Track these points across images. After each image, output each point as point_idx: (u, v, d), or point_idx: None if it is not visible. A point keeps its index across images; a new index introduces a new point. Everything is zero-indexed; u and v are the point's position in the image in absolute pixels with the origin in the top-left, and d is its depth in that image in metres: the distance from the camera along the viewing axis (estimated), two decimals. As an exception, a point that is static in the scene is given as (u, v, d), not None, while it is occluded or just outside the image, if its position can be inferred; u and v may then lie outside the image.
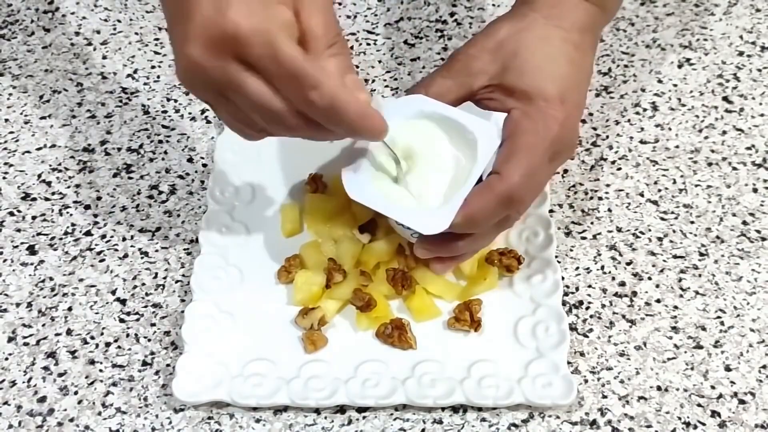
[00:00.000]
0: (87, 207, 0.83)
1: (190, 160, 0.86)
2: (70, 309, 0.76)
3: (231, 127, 0.66)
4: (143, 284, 0.78)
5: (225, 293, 0.75)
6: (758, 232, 0.80)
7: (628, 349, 0.73)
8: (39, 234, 0.81)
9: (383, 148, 0.69)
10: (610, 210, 0.82)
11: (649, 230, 0.80)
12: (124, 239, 0.81)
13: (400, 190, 0.70)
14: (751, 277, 0.77)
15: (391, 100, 0.71)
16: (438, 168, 0.71)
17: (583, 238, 0.80)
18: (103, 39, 0.97)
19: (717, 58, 0.94)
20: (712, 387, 0.71)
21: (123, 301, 0.77)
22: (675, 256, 0.79)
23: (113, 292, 0.77)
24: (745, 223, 0.81)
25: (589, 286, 0.77)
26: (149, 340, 0.74)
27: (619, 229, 0.81)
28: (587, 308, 0.76)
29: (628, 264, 0.78)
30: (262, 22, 0.59)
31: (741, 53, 0.94)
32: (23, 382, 0.72)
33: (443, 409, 0.70)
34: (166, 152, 0.87)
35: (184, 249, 0.80)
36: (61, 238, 0.81)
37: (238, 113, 0.63)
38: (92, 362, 0.73)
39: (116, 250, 0.80)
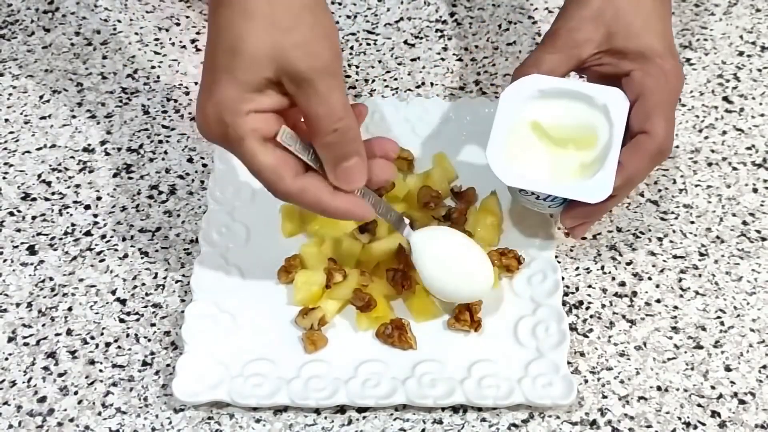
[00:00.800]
0: (87, 207, 0.83)
1: (190, 160, 0.86)
2: (70, 309, 0.76)
3: None
4: (143, 284, 0.78)
5: (225, 293, 0.75)
6: (758, 232, 0.80)
7: (628, 349, 0.73)
8: (39, 234, 0.81)
9: (521, 127, 0.74)
10: (610, 210, 0.82)
11: (649, 230, 0.80)
12: (124, 239, 0.81)
13: (543, 165, 0.74)
14: (751, 277, 0.77)
15: (509, 87, 0.75)
16: (575, 139, 0.74)
17: (583, 238, 0.80)
18: (103, 39, 0.97)
19: (717, 58, 0.94)
20: (712, 387, 0.71)
21: (123, 301, 0.77)
22: (675, 256, 0.79)
23: (113, 292, 0.77)
24: (745, 223, 0.81)
25: (589, 286, 0.77)
26: (149, 340, 0.74)
27: (619, 229, 0.81)
28: (587, 308, 0.76)
29: (628, 264, 0.78)
30: (228, 129, 0.63)
31: (741, 53, 0.94)
32: (23, 382, 0.72)
33: (443, 409, 0.70)
34: (166, 152, 0.87)
35: (184, 249, 0.80)
36: (61, 238, 0.81)
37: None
38: (92, 362, 0.73)
39: (116, 250, 0.80)
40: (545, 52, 0.75)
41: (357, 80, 0.92)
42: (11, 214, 0.83)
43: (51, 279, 0.78)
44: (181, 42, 0.96)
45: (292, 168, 0.65)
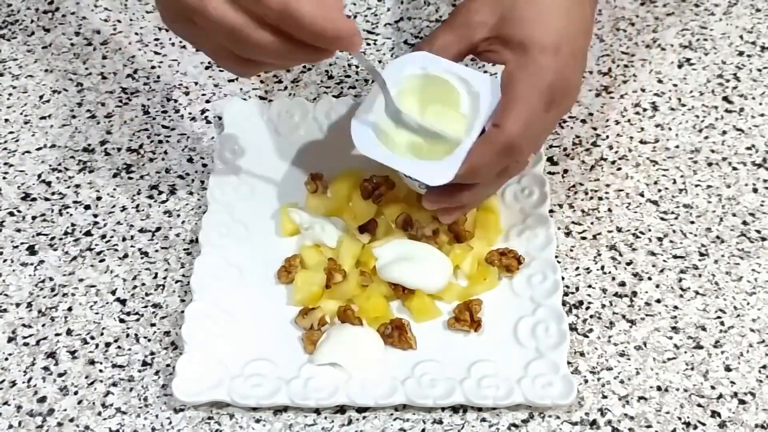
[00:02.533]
0: (87, 207, 0.83)
1: (190, 160, 0.86)
2: (70, 309, 0.76)
3: (219, 63, 0.67)
4: (143, 284, 0.78)
5: (225, 293, 0.75)
6: (758, 232, 0.80)
7: (628, 349, 0.73)
8: (39, 234, 0.81)
9: (389, 102, 0.72)
10: (610, 210, 0.82)
11: (649, 230, 0.80)
12: (124, 239, 0.81)
13: (407, 142, 0.72)
14: (751, 277, 0.77)
15: (397, 60, 0.74)
16: (443, 121, 0.72)
17: (583, 238, 0.80)
18: (103, 39, 0.97)
19: (717, 58, 0.94)
20: (712, 387, 0.71)
21: (123, 301, 0.77)
22: (675, 256, 0.79)
23: (113, 292, 0.77)
24: (745, 223, 0.81)
25: (589, 286, 0.77)
26: (149, 340, 0.74)
27: (619, 229, 0.81)
28: (587, 308, 0.76)
29: (628, 264, 0.78)
30: None
31: (741, 53, 0.94)
32: (23, 382, 0.72)
33: (443, 409, 0.70)
34: (166, 152, 0.87)
35: (184, 249, 0.80)
36: (61, 238, 0.81)
37: (211, 43, 0.64)
38: (92, 362, 0.73)
39: (116, 250, 0.80)
40: (441, 30, 0.74)
41: (357, 80, 0.92)
42: (11, 214, 0.83)
43: (51, 279, 0.78)
44: (181, 42, 0.96)
45: None
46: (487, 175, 0.71)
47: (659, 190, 0.83)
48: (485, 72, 0.74)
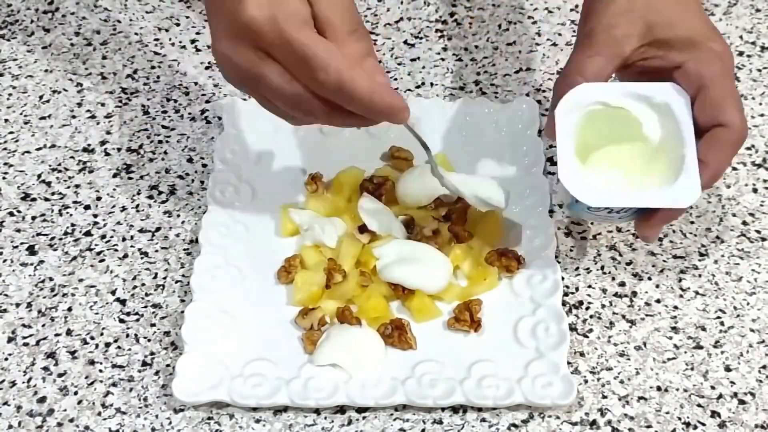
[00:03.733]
0: (87, 207, 0.83)
1: (190, 160, 0.86)
2: (69, 309, 0.76)
3: (274, 113, 0.69)
4: (143, 284, 0.78)
5: (225, 293, 0.75)
6: (758, 232, 0.80)
7: (628, 350, 0.73)
8: (39, 234, 0.81)
9: (583, 142, 0.71)
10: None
11: (649, 230, 0.80)
12: (124, 239, 0.81)
13: (614, 179, 0.72)
14: (751, 277, 0.77)
15: (562, 102, 0.71)
16: (642, 145, 0.72)
17: (583, 238, 0.80)
18: (103, 39, 0.97)
19: (717, 58, 0.94)
20: (712, 387, 0.71)
21: (123, 302, 0.77)
22: (675, 256, 0.79)
23: (113, 293, 0.77)
24: (745, 223, 0.81)
25: (589, 286, 0.77)
26: (149, 341, 0.74)
27: (619, 229, 0.81)
28: (587, 308, 0.76)
29: (628, 264, 0.78)
30: (273, 11, 0.62)
31: (741, 53, 0.94)
32: (23, 383, 0.72)
33: (443, 409, 0.70)
34: (166, 152, 0.87)
35: (184, 249, 0.80)
36: (61, 238, 0.81)
37: (268, 101, 0.67)
38: (92, 362, 0.73)
39: (116, 250, 0.80)
40: (585, 55, 0.71)
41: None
42: (11, 214, 0.83)
43: (51, 279, 0.78)
44: (181, 42, 0.96)
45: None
46: (724, 173, 0.72)
47: (659, 190, 0.83)
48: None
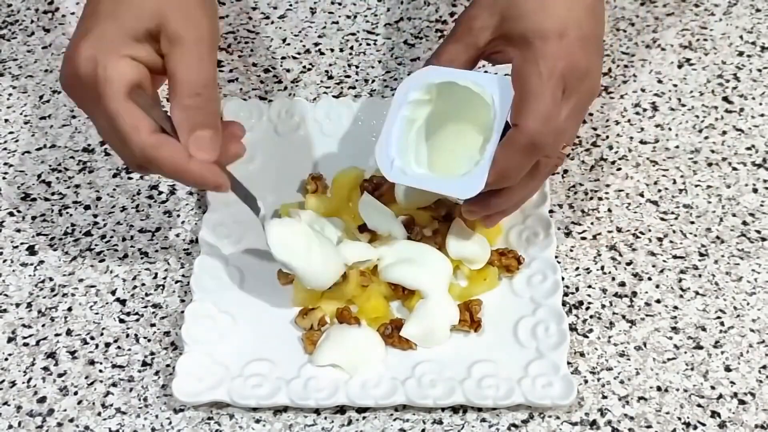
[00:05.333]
0: (87, 207, 0.83)
1: (190, 160, 0.86)
2: (69, 309, 0.76)
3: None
4: (143, 284, 0.78)
5: (225, 293, 0.75)
6: (758, 232, 0.80)
7: (628, 350, 0.73)
8: (39, 234, 0.81)
9: (411, 120, 0.73)
10: (610, 210, 0.82)
11: (649, 230, 0.80)
12: (124, 239, 0.81)
13: (432, 159, 0.74)
14: (751, 277, 0.77)
15: (406, 79, 0.74)
16: (465, 132, 0.73)
17: (583, 238, 0.80)
18: (103, 39, 0.97)
19: (717, 58, 0.94)
20: (712, 387, 0.71)
21: (123, 302, 0.77)
22: (675, 257, 0.79)
23: (113, 293, 0.77)
24: (745, 223, 0.81)
25: (589, 287, 0.77)
26: (149, 341, 0.74)
27: (619, 229, 0.81)
28: (587, 308, 0.76)
29: (628, 264, 0.78)
30: (97, 68, 0.64)
31: (741, 53, 0.94)
32: (23, 383, 0.72)
33: (443, 409, 0.70)
34: (166, 152, 0.87)
35: (184, 249, 0.80)
36: (61, 239, 0.81)
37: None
38: (92, 362, 0.73)
39: (116, 250, 0.80)
40: (446, 42, 0.73)
41: (357, 80, 0.92)
42: (11, 214, 0.83)
43: (51, 279, 0.78)
44: (181, 42, 0.96)
45: (150, 124, 0.65)
46: (517, 176, 0.70)
47: (659, 190, 0.83)
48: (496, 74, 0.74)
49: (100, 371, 0.73)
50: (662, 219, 0.81)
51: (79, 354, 0.74)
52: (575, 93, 0.69)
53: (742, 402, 0.70)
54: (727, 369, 0.72)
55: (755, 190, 0.83)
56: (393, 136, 0.73)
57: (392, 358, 0.72)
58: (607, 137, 0.87)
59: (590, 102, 0.72)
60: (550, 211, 0.81)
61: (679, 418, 0.69)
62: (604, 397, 0.71)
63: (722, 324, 0.75)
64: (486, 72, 0.80)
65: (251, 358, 0.71)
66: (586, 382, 0.71)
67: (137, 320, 0.76)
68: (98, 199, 0.84)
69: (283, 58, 0.94)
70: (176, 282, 0.78)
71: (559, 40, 0.68)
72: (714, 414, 0.70)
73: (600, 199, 0.83)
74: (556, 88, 0.67)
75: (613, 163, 0.85)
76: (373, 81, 0.92)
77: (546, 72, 0.67)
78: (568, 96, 0.68)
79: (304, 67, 0.94)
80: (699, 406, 0.70)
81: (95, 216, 0.82)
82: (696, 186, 0.83)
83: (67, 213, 0.83)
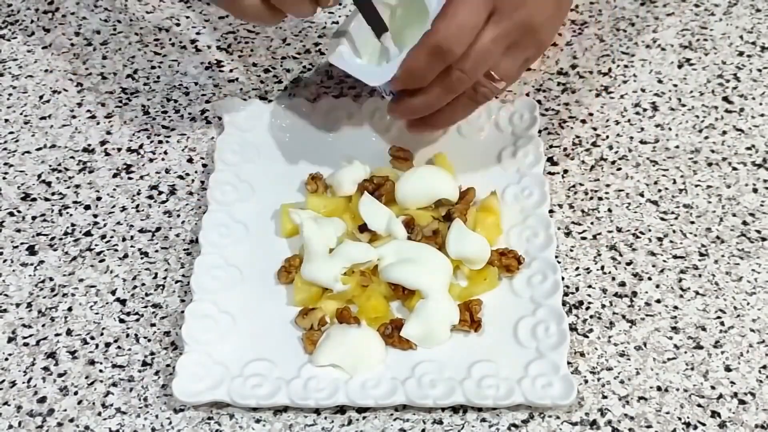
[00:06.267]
0: (87, 207, 0.83)
1: (190, 160, 0.86)
2: (70, 309, 0.76)
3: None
4: (143, 284, 0.78)
5: (225, 293, 0.75)
6: (758, 232, 0.80)
7: (628, 350, 0.73)
8: (39, 234, 0.81)
9: (363, 24, 0.78)
10: (610, 210, 0.82)
11: (649, 230, 0.80)
12: (124, 239, 0.81)
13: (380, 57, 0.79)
14: (751, 277, 0.77)
15: None
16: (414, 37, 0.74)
17: (583, 238, 0.80)
18: (103, 39, 0.97)
19: (717, 58, 0.94)
20: (712, 387, 0.71)
21: (123, 302, 0.77)
22: (675, 257, 0.79)
23: (113, 293, 0.77)
24: (745, 223, 0.81)
25: (589, 287, 0.77)
26: (149, 341, 0.74)
27: (619, 229, 0.81)
28: (587, 308, 0.76)
29: (628, 264, 0.78)
30: None
31: (741, 53, 0.94)
32: (23, 383, 0.72)
33: (443, 409, 0.70)
34: (166, 152, 0.87)
35: (184, 249, 0.80)
36: (61, 239, 0.81)
37: None
38: (92, 362, 0.73)
39: (116, 250, 0.80)
40: None
41: (357, 80, 0.92)
42: (11, 214, 0.83)
43: (51, 279, 0.78)
44: (181, 42, 0.96)
45: None
46: (423, 76, 0.72)
47: (659, 190, 0.83)
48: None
49: (100, 371, 0.73)
50: (662, 219, 0.81)
51: (79, 354, 0.74)
52: (505, 19, 0.72)
53: (742, 402, 0.70)
54: (728, 369, 0.72)
55: (755, 190, 0.83)
56: (354, 25, 0.78)
57: (392, 358, 0.72)
58: (607, 137, 0.87)
59: (526, 40, 0.75)
60: (550, 211, 0.81)
61: (679, 418, 0.70)
62: (604, 397, 0.71)
63: (722, 324, 0.75)
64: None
65: (251, 358, 0.71)
66: (586, 382, 0.71)
67: (137, 320, 0.76)
68: (98, 199, 0.84)
69: (283, 58, 0.94)
70: (176, 282, 0.78)
71: None
72: (714, 414, 0.70)
73: (600, 199, 0.83)
74: (481, 7, 0.71)
75: (613, 163, 0.85)
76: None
77: None
78: (498, 20, 0.72)
79: (304, 67, 0.94)
80: (699, 406, 0.70)
81: (95, 216, 0.82)
82: (696, 186, 0.83)
83: (67, 213, 0.83)
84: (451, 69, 0.72)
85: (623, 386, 0.71)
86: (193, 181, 0.85)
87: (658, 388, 0.71)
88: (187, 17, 0.99)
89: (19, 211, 0.83)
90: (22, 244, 0.81)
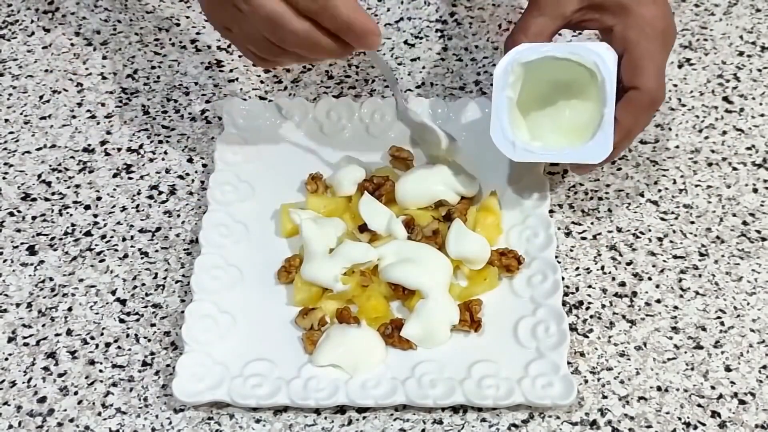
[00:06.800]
0: (87, 207, 0.83)
1: (190, 160, 0.86)
2: (70, 309, 0.76)
3: (249, 51, 0.73)
4: (143, 284, 0.78)
5: (225, 293, 0.75)
6: (758, 232, 0.80)
7: (628, 350, 0.73)
8: (39, 234, 0.81)
9: (516, 99, 0.76)
10: (610, 210, 0.82)
11: (649, 230, 0.80)
12: (124, 239, 0.81)
13: (543, 133, 0.78)
14: (751, 277, 0.77)
15: (503, 59, 0.76)
16: (570, 102, 0.77)
17: (583, 238, 0.80)
18: (103, 39, 0.97)
19: (717, 58, 0.94)
20: (712, 387, 0.71)
21: (123, 302, 0.77)
22: (675, 257, 0.79)
23: (113, 293, 0.77)
24: (745, 223, 0.81)
25: (589, 287, 0.77)
26: (149, 341, 0.74)
27: (619, 229, 0.81)
28: (587, 308, 0.76)
29: (628, 264, 0.78)
30: None
31: (741, 53, 0.94)
32: (23, 383, 0.72)
33: (443, 409, 0.70)
34: (166, 152, 0.87)
35: (184, 249, 0.80)
36: (61, 239, 0.81)
37: (248, 29, 0.70)
38: (92, 362, 0.73)
39: (116, 250, 0.80)
40: (531, 16, 0.77)
41: (357, 80, 0.92)
42: (11, 214, 0.83)
43: (51, 279, 0.78)
44: (181, 42, 0.96)
45: None
46: (639, 133, 0.77)
47: (659, 190, 0.83)
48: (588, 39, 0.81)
49: (101, 371, 0.73)
50: (662, 219, 0.81)
51: (79, 354, 0.74)
52: (669, 46, 0.77)
53: (742, 402, 0.70)
54: (728, 369, 0.72)
55: (755, 190, 0.83)
56: (504, 119, 0.75)
57: (392, 358, 0.72)
58: (607, 137, 0.87)
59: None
60: (550, 211, 0.81)
61: (680, 418, 0.70)
62: (605, 397, 0.71)
63: (722, 324, 0.75)
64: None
65: (251, 358, 0.71)
66: (586, 382, 0.71)
67: (137, 320, 0.76)
68: (98, 199, 0.84)
69: (283, 58, 0.94)
70: (176, 282, 0.78)
71: (654, 5, 0.75)
72: (714, 414, 0.70)
73: (600, 199, 0.83)
74: (661, 47, 0.75)
75: (613, 163, 0.85)
76: (373, 81, 0.92)
77: (652, 34, 0.75)
78: (666, 51, 0.76)
79: (304, 67, 0.94)
80: (699, 406, 0.70)
81: (95, 216, 0.82)
82: (696, 186, 0.83)
83: (67, 213, 0.83)
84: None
85: (623, 386, 0.71)
86: (193, 181, 0.85)
87: (658, 388, 0.71)
88: (187, 17, 0.99)
89: (19, 211, 0.83)
90: (22, 244, 0.81)
